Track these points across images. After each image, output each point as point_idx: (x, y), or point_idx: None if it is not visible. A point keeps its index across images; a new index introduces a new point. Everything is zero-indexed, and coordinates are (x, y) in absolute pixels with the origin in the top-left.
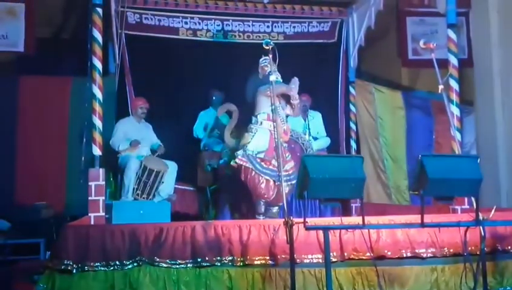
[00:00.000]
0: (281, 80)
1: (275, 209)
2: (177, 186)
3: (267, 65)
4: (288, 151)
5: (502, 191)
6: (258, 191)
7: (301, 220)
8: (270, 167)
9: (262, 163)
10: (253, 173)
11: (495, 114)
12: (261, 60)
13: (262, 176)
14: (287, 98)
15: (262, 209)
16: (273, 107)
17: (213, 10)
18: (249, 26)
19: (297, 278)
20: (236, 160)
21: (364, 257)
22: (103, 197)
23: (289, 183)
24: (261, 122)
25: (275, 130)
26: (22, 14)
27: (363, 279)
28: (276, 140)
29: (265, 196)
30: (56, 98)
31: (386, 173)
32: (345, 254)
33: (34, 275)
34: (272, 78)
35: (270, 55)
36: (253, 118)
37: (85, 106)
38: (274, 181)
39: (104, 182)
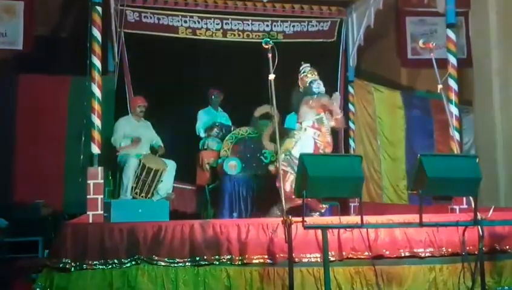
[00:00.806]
0: (324, 90)
1: (316, 214)
2: (175, 185)
3: (307, 75)
4: None
5: (500, 190)
6: (289, 197)
7: (300, 219)
8: None
9: None
10: (292, 177)
11: (494, 114)
12: (300, 68)
13: None
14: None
15: (278, 213)
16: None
17: (212, 9)
18: (248, 25)
19: (295, 277)
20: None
21: (362, 256)
22: (102, 196)
23: None
24: (305, 129)
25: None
26: (21, 12)
27: (361, 278)
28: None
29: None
30: (55, 96)
31: (380, 173)
32: (344, 253)
33: (32, 273)
34: (271, 77)
35: (270, 54)
36: (297, 125)
37: (84, 104)
38: None
39: (103, 181)
